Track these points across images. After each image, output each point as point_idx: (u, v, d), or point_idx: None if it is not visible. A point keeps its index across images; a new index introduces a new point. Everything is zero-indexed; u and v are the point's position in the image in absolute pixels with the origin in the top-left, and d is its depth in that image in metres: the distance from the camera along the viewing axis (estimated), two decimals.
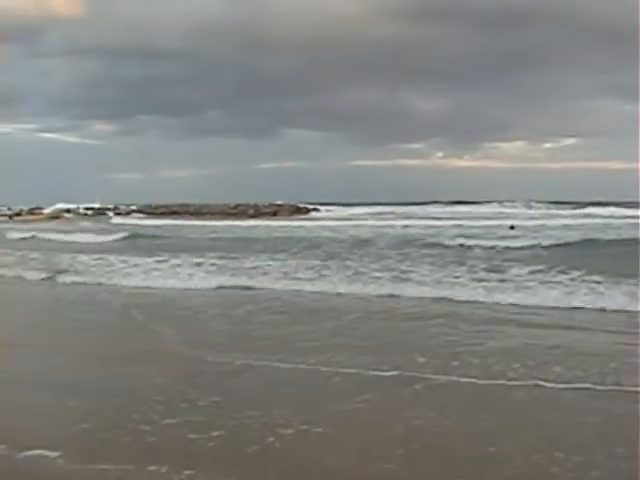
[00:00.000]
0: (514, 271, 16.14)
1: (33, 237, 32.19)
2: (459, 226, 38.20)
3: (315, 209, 72.12)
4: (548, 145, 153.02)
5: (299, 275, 16.29)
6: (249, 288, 14.96)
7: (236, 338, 10.09)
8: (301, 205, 72.07)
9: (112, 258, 20.51)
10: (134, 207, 76.80)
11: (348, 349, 9.12)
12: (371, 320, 11.37)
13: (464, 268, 17.06)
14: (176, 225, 45.02)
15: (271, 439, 5.84)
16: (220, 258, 19.94)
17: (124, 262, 19.56)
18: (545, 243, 24.89)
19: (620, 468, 5.22)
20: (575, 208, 62.96)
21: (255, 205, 68.83)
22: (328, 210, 72.56)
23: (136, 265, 18.88)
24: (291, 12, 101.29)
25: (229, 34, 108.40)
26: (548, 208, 68.41)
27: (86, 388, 7.42)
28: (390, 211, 64.67)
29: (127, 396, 7.10)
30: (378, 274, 16.15)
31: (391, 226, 39.90)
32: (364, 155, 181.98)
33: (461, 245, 24.36)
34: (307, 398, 7.16)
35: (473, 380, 7.59)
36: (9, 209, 71.80)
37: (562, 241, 25.66)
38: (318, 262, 18.63)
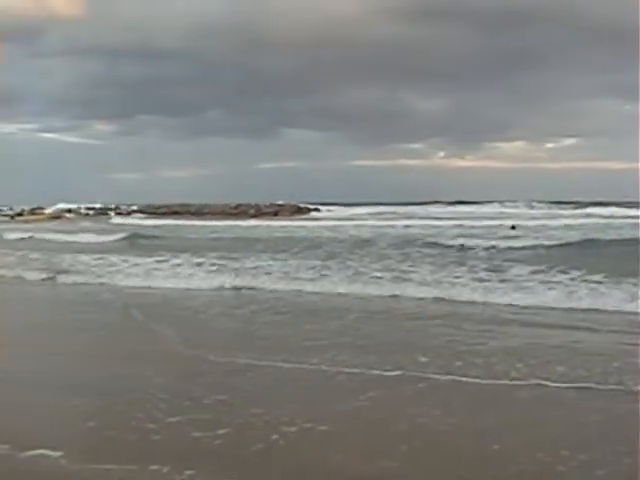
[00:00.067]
0: (515, 271, 16.13)
1: (31, 237, 32.14)
2: (460, 226, 38.20)
3: (316, 209, 72.12)
4: (549, 145, 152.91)
5: (300, 275, 16.29)
6: (250, 288, 14.96)
7: (238, 338, 10.09)
8: (302, 205, 72.07)
9: (112, 258, 20.44)
10: (135, 207, 76.82)
11: (350, 349, 9.13)
12: (373, 320, 11.37)
13: (465, 268, 17.05)
14: (176, 225, 45.04)
15: (275, 437, 5.85)
16: (221, 258, 19.92)
17: (124, 262, 19.51)
18: (546, 243, 24.89)
19: (624, 467, 5.21)
20: (576, 208, 62.95)
21: (256, 205, 68.84)
22: (329, 210, 72.57)
23: (136, 265, 18.84)
24: (291, 12, 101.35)
25: (229, 34, 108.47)
26: (549, 208, 68.40)
27: (88, 388, 7.42)
28: (391, 211, 64.67)
29: (129, 395, 7.10)
30: (379, 274, 16.15)
31: (392, 226, 39.91)
32: (365, 155, 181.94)
33: (462, 245, 24.34)
34: (310, 397, 7.17)
35: (476, 380, 7.59)
36: (10, 209, 71.88)
37: (563, 241, 25.65)
38: (319, 262, 18.63)
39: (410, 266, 17.64)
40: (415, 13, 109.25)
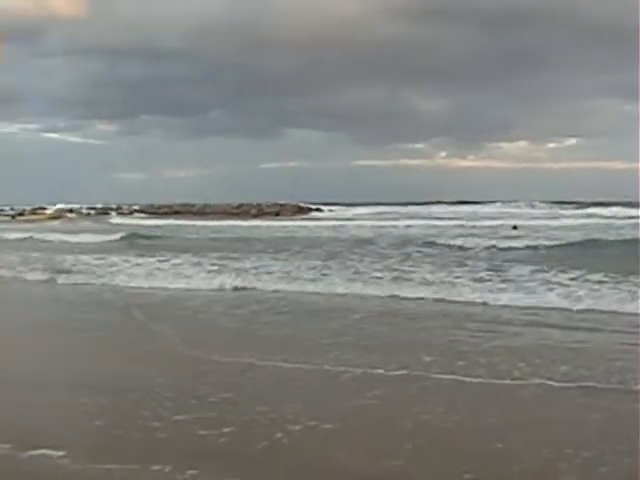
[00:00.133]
0: (516, 271, 16.11)
1: (31, 237, 32.08)
2: (461, 226, 38.22)
3: (318, 209, 72.12)
4: (551, 145, 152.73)
5: (301, 275, 16.27)
6: (251, 288, 14.96)
7: (240, 338, 10.10)
8: (304, 205, 72.07)
9: (113, 258, 20.38)
10: (137, 207, 76.86)
11: (353, 348, 9.13)
12: (375, 320, 11.37)
13: (466, 268, 17.05)
14: (176, 225, 44.98)
15: (279, 435, 5.86)
16: (221, 258, 19.90)
17: (124, 262, 19.45)
18: (547, 243, 24.90)
19: (626, 464, 5.23)
20: (578, 208, 62.91)
21: (258, 205, 68.86)
22: (331, 210, 72.57)
23: (136, 265, 18.80)
24: (293, 12, 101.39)
25: (231, 34, 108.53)
26: (551, 208, 68.37)
27: (89, 387, 7.41)
28: (393, 211, 64.66)
29: (131, 395, 7.10)
30: (380, 274, 16.14)
31: (394, 226, 39.91)
32: (367, 155, 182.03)
33: (464, 245, 24.36)
34: (314, 396, 7.18)
35: (479, 379, 7.61)
36: (12, 209, 71.96)
37: (564, 241, 25.66)
38: (320, 262, 18.62)
39: (411, 266, 17.64)
40: (417, 13, 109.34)
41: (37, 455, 5.44)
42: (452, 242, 25.64)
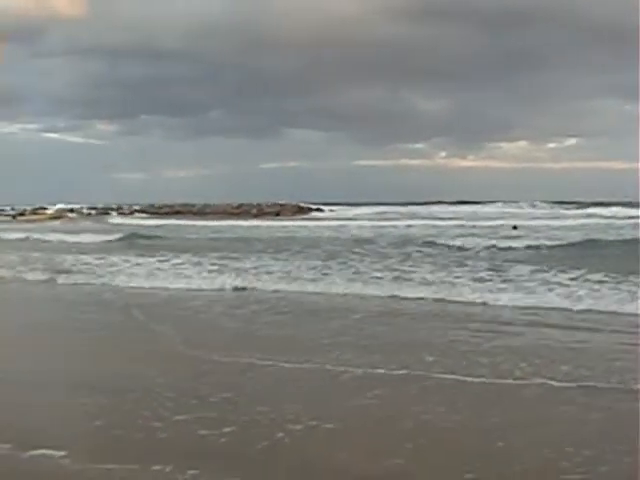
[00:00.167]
0: (517, 271, 16.11)
1: (30, 237, 32.07)
2: (462, 226, 38.22)
3: (318, 209, 72.11)
4: (551, 145, 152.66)
5: (301, 275, 16.27)
6: (251, 288, 14.96)
7: (240, 338, 10.10)
8: (304, 205, 72.07)
9: (108, 259, 20.33)
10: (137, 207, 76.87)
11: (354, 348, 9.14)
12: (375, 320, 11.37)
13: (466, 268, 17.04)
14: (176, 225, 44.92)
15: (280, 435, 5.87)
16: (221, 258, 19.89)
17: (123, 262, 19.42)
18: (548, 243, 24.90)
19: (627, 463, 5.24)
20: (578, 208, 62.92)
21: (258, 205, 68.85)
22: (331, 210, 72.55)
23: (133, 265, 18.77)
24: (293, 12, 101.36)
25: (231, 34, 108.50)
26: (551, 208, 68.40)
27: (90, 387, 7.41)
28: (393, 211, 64.66)
29: (132, 395, 7.11)
30: (380, 274, 16.14)
31: (394, 226, 39.91)
32: (367, 155, 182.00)
33: (464, 245, 24.36)
34: (315, 396, 7.19)
35: (481, 379, 7.62)
36: (12, 209, 71.97)
37: (565, 241, 25.67)
38: (320, 262, 18.61)
39: (411, 266, 17.63)
40: (417, 13, 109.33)
41: (37, 455, 5.44)
42: (452, 242, 25.64)
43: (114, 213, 71.24)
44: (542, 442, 5.71)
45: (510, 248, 23.35)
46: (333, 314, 11.87)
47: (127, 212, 72.45)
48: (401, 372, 7.91)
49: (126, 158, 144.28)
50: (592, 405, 6.76)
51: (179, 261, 19.34)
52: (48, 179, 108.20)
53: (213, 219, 51.58)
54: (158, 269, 17.90)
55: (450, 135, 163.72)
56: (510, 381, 7.56)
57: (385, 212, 63.34)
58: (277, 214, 63.10)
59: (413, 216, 53.55)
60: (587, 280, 14.31)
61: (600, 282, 13.97)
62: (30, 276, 17.36)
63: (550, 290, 13.44)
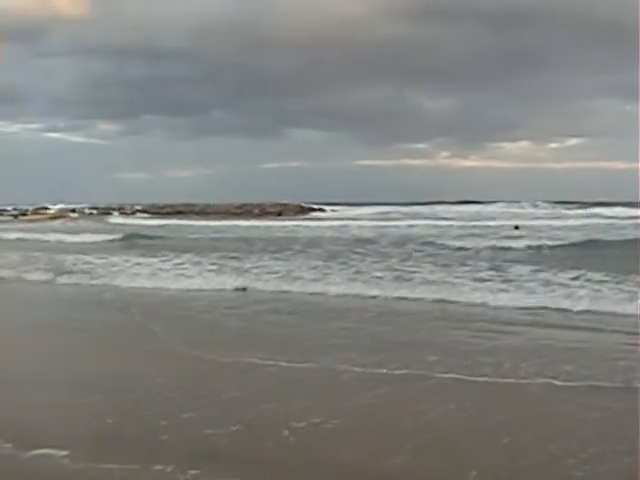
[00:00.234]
0: (518, 271, 16.08)
1: (32, 237, 32.06)
2: (463, 226, 38.22)
3: (320, 209, 72.08)
4: (553, 145, 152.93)
5: (302, 275, 16.24)
6: (253, 289, 14.94)
7: (242, 338, 10.09)
8: (306, 205, 72.05)
9: (109, 259, 20.27)
10: (139, 207, 76.86)
11: (356, 348, 9.15)
12: (376, 320, 11.37)
13: (468, 268, 17.04)
14: (178, 225, 44.84)
15: (284, 434, 5.88)
16: (223, 258, 19.87)
17: (124, 263, 19.37)
18: (549, 243, 24.92)
19: (631, 461, 5.27)
20: (580, 208, 62.89)
21: (260, 205, 68.84)
22: (333, 210, 72.53)
23: (134, 265, 18.73)
24: (294, 12, 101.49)
25: (233, 34, 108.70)
26: (553, 208, 68.36)
27: (92, 387, 7.41)
28: (395, 211, 64.64)
29: (134, 395, 7.12)
30: (382, 274, 16.13)
31: (396, 226, 39.91)
32: (369, 155, 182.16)
33: (465, 245, 24.35)
34: (318, 395, 7.20)
35: (484, 378, 7.64)
36: (15, 209, 72.03)
37: (566, 241, 25.68)
38: (321, 262, 18.61)
39: (412, 266, 17.62)
40: (418, 13, 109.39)
41: (39, 455, 5.45)
42: (454, 242, 25.65)
43: (116, 213, 71.22)
44: (545, 440, 5.73)
45: (511, 248, 23.35)
46: (334, 314, 11.87)
47: (129, 212, 72.45)
48: (403, 372, 7.92)
49: (128, 158, 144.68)
50: (595, 404, 6.78)
51: (180, 261, 19.33)
52: (50, 179, 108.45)
53: (215, 219, 51.55)
54: (159, 269, 17.87)
55: (452, 135, 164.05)
56: (513, 380, 7.57)
57: (387, 212, 63.34)
58: (279, 214, 63.09)
59: (415, 216, 53.55)
60: (588, 280, 14.29)
61: (601, 282, 13.96)
62: (31, 276, 17.36)
63: (551, 290, 13.43)
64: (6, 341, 10.20)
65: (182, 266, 18.36)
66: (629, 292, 12.76)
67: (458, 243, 25.21)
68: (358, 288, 14.45)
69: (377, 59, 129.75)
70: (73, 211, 71.50)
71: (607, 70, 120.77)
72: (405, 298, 13.36)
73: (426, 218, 49.11)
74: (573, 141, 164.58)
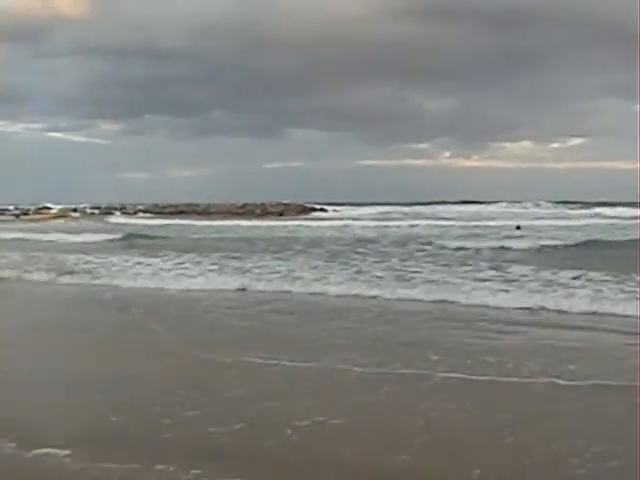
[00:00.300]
0: (519, 272, 16.07)
1: (30, 238, 32.04)
2: (465, 226, 38.23)
3: (322, 209, 72.09)
4: (555, 145, 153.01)
5: (303, 275, 16.22)
6: (254, 289, 14.92)
7: (244, 338, 10.08)
8: (308, 205, 72.06)
9: (110, 259, 20.25)
10: (141, 207, 76.87)
11: (358, 348, 9.16)
12: (378, 320, 11.36)
13: (469, 268, 17.06)
14: (179, 225, 44.75)
15: (288, 432, 5.89)
16: (225, 258, 19.87)
17: (125, 263, 19.35)
18: (551, 243, 24.93)
19: (636, 459, 5.29)
20: (582, 208, 62.88)
21: (262, 205, 68.85)
22: (335, 210, 72.54)
23: (135, 265, 18.76)
24: (295, 12, 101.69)
25: (235, 34, 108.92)
26: (555, 208, 68.35)
27: (95, 387, 7.41)
28: (397, 211, 64.63)
29: (136, 395, 7.13)
30: (382, 274, 16.13)
31: (398, 226, 39.93)
32: (371, 155, 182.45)
33: (467, 245, 24.35)
34: (321, 394, 7.22)
35: (488, 377, 7.65)
36: (16, 208, 72.10)
37: (568, 242, 25.69)
38: (322, 262, 18.63)
39: (414, 266, 17.62)
40: (419, 13, 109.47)
41: (41, 454, 5.45)
42: (455, 242, 25.67)
43: (118, 213, 71.22)
44: (549, 439, 5.73)
45: (513, 248, 23.34)
46: (335, 314, 11.87)
47: (131, 212, 72.48)
48: (406, 371, 7.93)
49: (130, 158, 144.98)
50: (599, 403, 6.81)
51: (181, 261, 19.34)
52: (52, 178, 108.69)
53: (217, 219, 51.56)
54: (161, 269, 17.86)
55: (454, 135, 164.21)
56: (516, 379, 7.57)
57: (388, 212, 63.34)
58: (281, 214, 63.10)
59: (416, 216, 53.57)
60: (590, 280, 14.30)
61: (603, 282, 13.96)
62: (33, 276, 17.36)
63: (552, 290, 13.42)
64: (8, 341, 10.20)
65: (183, 266, 18.38)
66: (631, 292, 12.76)
67: (459, 243, 25.21)
68: (359, 288, 14.44)
69: (378, 59, 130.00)
70: (75, 211, 71.56)
71: (609, 70, 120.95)
72: (406, 298, 13.35)
73: (428, 218, 49.14)
74: (575, 141, 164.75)
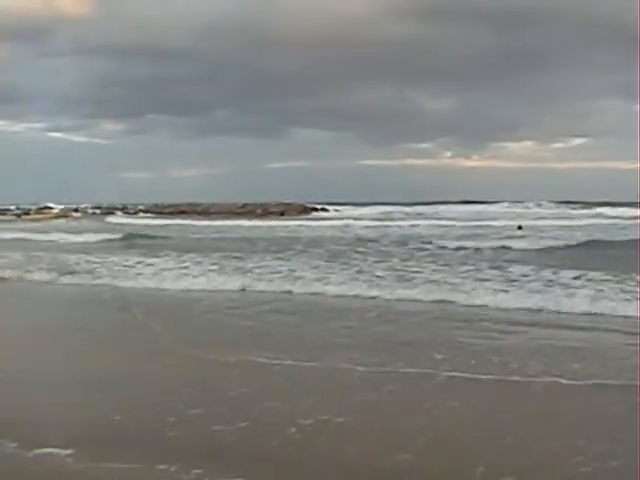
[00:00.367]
0: (521, 272, 16.06)
1: (31, 237, 32.03)
2: (466, 226, 38.22)
3: (323, 209, 72.05)
4: (557, 145, 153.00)
5: (304, 275, 16.20)
6: (255, 289, 14.92)
7: (246, 337, 10.08)
8: (309, 205, 72.03)
9: (111, 259, 20.25)
10: (142, 207, 76.87)
11: (360, 347, 9.16)
12: (379, 320, 11.37)
13: (471, 268, 17.06)
14: (180, 225, 44.69)
15: (292, 431, 5.90)
16: (225, 258, 19.87)
17: (125, 263, 19.30)
18: (552, 244, 24.92)
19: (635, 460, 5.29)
20: (584, 208, 62.84)
21: (263, 205, 68.81)
22: (336, 210, 72.50)
23: (136, 265, 18.75)
24: (299, 12, 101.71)
25: (237, 33, 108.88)
26: (557, 208, 68.32)
27: (97, 386, 7.43)
28: (399, 211, 64.60)
29: (137, 395, 7.13)
30: (383, 274, 16.13)
31: (399, 226, 39.94)
32: (372, 155, 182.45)
33: (468, 245, 24.35)
34: (324, 393, 7.23)
35: (491, 377, 7.65)
36: (18, 208, 72.15)
37: (570, 242, 25.67)
38: (323, 262, 18.62)
39: (414, 266, 17.62)
40: (423, 13, 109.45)
41: (43, 454, 5.44)
42: (457, 242, 25.67)
43: (119, 213, 71.22)
44: (552, 437, 5.75)
45: (514, 248, 23.34)
46: (337, 314, 11.88)
47: (132, 212, 72.49)
48: (409, 370, 7.93)
49: (132, 157, 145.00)
50: (601, 402, 6.82)
51: (182, 261, 19.34)
52: (53, 178, 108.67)
53: (218, 219, 51.51)
54: (161, 269, 17.84)
55: (456, 135, 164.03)
56: (519, 379, 7.58)
57: (390, 212, 63.31)
58: (282, 214, 63.07)
59: (418, 216, 53.57)
60: (590, 280, 14.30)
61: (603, 282, 13.97)
62: (34, 276, 17.36)
63: (554, 290, 13.42)
64: (10, 341, 10.21)
65: (184, 266, 18.37)
66: (632, 292, 12.75)
67: (461, 243, 25.21)
68: (360, 288, 14.44)
69: (379, 59, 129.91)
70: (76, 210, 71.60)
71: (610, 70, 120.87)
72: (407, 298, 13.36)
73: (429, 218, 49.15)
74: (577, 141, 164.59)
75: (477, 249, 23.10)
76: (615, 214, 50.31)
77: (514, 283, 14.47)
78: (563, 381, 7.43)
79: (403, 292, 13.79)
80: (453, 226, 38.92)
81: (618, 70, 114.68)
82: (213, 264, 18.39)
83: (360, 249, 23.27)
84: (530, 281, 14.66)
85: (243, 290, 14.82)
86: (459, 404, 6.72)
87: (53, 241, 30.13)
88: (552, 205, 71.85)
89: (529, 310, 11.97)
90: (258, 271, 17.04)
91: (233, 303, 13.23)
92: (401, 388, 7.35)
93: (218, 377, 7.85)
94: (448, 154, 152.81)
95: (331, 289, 14.50)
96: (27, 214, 66.10)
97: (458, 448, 5.61)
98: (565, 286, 13.80)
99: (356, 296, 13.81)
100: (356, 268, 17.38)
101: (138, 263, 19.02)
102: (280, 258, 20.11)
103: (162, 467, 5.17)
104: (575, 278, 14.62)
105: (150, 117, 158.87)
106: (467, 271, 16.49)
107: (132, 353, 9.23)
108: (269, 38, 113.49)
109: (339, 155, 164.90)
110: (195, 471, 5.08)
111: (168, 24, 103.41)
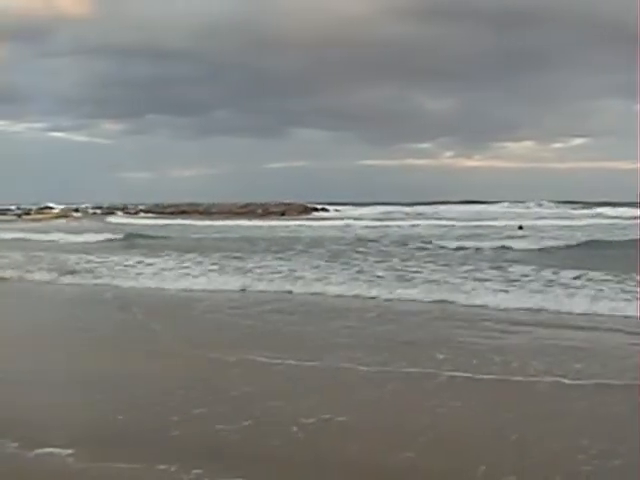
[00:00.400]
0: (521, 272, 16.06)
1: (31, 237, 32.00)
2: (467, 226, 38.22)
3: (324, 209, 72.06)
4: (557, 145, 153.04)
5: (305, 275, 16.20)
6: (255, 288, 14.92)
7: (247, 337, 10.08)
8: (310, 205, 72.02)
9: (111, 259, 20.22)
10: (143, 207, 76.87)
11: (361, 347, 9.16)
12: (380, 319, 11.36)
13: (471, 268, 17.04)
14: (180, 225, 44.69)
15: (294, 430, 5.90)
16: (226, 258, 19.86)
17: (126, 262, 19.30)
18: (553, 243, 24.92)
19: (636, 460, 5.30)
20: (584, 208, 62.84)
21: (264, 205, 68.81)
22: (337, 210, 72.50)
23: (136, 264, 18.76)
24: (299, 12, 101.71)
25: (238, 33, 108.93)
26: (557, 208, 68.33)
27: (97, 386, 7.43)
28: (399, 211, 64.60)
29: (138, 395, 7.13)
30: (384, 274, 16.14)
31: (399, 226, 39.94)
32: (373, 155, 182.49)
33: (468, 245, 24.34)
34: (326, 393, 7.23)
35: (493, 376, 7.66)
36: (18, 208, 72.17)
37: (570, 242, 25.67)
38: (323, 262, 18.62)
39: (414, 266, 17.62)
40: (423, 13, 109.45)
41: (44, 454, 5.44)
42: (457, 242, 25.65)
43: (119, 213, 71.21)
44: (554, 436, 5.76)
45: (514, 248, 23.34)
46: (337, 314, 11.87)
47: (132, 212, 72.48)
48: (412, 370, 7.94)
49: (132, 157, 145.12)
50: (603, 401, 6.83)
51: (182, 261, 19.34)
52: (53, 178, 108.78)
53: (218, 219, 51.49)
54: (162, 269, 17.84)
55: (456, 135, 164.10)
56: (521, 378, 7.58)
57: (390, 212, 63.31)
58: (282, 214, 63.06)
59: (418, 216, 53.57)
60: (590, 280, 14.30)
61: (603, 282, 13.96)
62: (34, 276, 17.36)
63: (554, 290, 13.42)
64: (10, 341, 10.20)
65: (184, 265, 18.37)
66: (633, 292, 12.75)
67: (461, 243, 25.20)
68: (360, 288, 14.43)
69: (379, 59, 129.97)
70: (76, 211, 71.58)
71: (611, 70, 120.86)
72: (407, 298, 13.35)
73: (429, 218, 49.15)
74: (577, 141, 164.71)
75: (477, 249, 23.09)
76: (615, 214, 50.31)
77: (514, 283, 14.46)
78: (565, 381, 7.44)
79: (403, 292, 13.78)
80: (453, 226, 38.91)
81: (618, 70, 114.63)
82: (213, 264, 18.39)
83: (360, 249, 23.27)
84: (530, 281, 14.66)
85: (244, 290, 14.81)
86: (461, 403, 6.73)
87: (53, 241, 30.09)
88: (552, 205, 71.86)
89: (529, 310, 11.96)
90: (259, 271, 17.04)
91: (234, 303, 13.23)
92: (403, 387, 7.36)
93: (219, 377, 7.85)
94: (448, 154, 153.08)
95: (331, 289, 14.49)
96: (28, 214, 66.11)
97: (460, 447, 5.61)
98: (565, 286, 13.81)
99: (356, 296, 13.81)
100: (356, 268, 17.38)
101: (138, 263, 19.02)
102: (281, 258, 20.11)
103: (162, 467, 5.17)
104: (575, 278, 14.62)
105: (150, 117, 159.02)
106: (467, 271, 16.48)
107: (132, 353, 9.23)
108: (269, 38, 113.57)
109: (339, 155, 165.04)
110: (195, 471, 5.08)
111: (168, 24, 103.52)
